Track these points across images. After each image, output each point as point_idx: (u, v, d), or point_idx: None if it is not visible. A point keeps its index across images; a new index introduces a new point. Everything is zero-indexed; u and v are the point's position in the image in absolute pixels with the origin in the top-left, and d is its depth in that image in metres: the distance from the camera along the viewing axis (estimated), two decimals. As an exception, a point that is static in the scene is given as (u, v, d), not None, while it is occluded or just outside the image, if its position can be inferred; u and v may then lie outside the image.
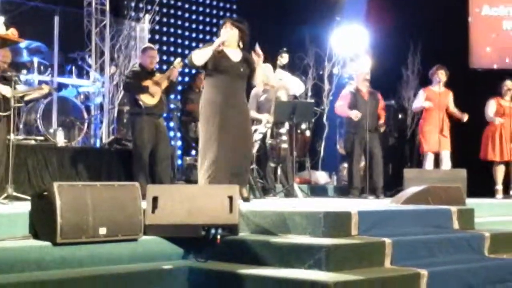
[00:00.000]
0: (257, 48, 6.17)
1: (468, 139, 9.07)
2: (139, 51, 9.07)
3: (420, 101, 8.86)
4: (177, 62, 7.64)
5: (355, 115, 8.31)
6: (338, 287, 3.66)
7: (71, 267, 3.99)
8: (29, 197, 5.11)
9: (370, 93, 8.54)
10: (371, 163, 8.28)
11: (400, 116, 10.70)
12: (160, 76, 7.62)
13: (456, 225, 5.06)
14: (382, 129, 8.59)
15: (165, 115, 8.21)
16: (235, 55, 6.19)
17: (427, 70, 9.25)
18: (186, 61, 6.38)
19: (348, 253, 4.11)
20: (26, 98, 6.94)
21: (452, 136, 8.77)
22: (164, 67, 10.58)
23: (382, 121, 8.60)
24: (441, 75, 8.76)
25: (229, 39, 6.17)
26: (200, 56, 6.08)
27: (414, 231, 4.73)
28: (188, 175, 8.62)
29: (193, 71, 9.77)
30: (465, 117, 8.64)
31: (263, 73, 6.48)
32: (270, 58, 8.11)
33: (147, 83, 7.47)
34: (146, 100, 7.42)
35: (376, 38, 11.05)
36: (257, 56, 6.17)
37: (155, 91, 7.46)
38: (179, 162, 9.58)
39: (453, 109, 8.82)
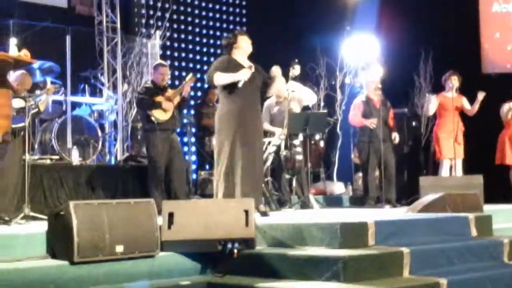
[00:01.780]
0: (252, 66, 6.21)
1: (483, 145, 9.01)
2: (151, 68, 9.12)
3: (432, 104, 8.80)
4: (189, 77, 7.66)
5: (371, 122, 8.29)
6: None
7: (88, 285, 4.00)
8: (45, 217, 5.14)
9: (381, 101, 8.52)
10: (385, 173, 8.24)
11: (414, 123, 10.64)
12: (172, 92, 7.65)
13: (474, 232, 5.02)
14: (397, 141, 8.53)
15: (178, 130, 8.23)
16: (248, 65, 6.24)
17: (439, 77, 9.21)
18: (206, 77, 6.38)
19: (366, 264, 4.09)
20: (41, 107, 6.97)
21: (467, 142, 8.71)
22: (176, 82, 10.62)
23: (394, 132, 8.53)
24: (454, 81, 8.71)
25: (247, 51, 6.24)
26: (224, 80, 6.10)
27: (432, 239, 4.70)
28: (203, 190, 8.62)
29: (206, 86, 9.78)
30: (481, 95, 8.57)
31: (277, 85, 6.49)
32: (282, 69, 8.11)
33: (160, 99, 7.50)
34: (159, 116, 7.45)
35: (387, 46, 11.02)
36: (276, 76, 6.24)
37: (168, 107, 7.48)
38: (194, 176, 9.58)
39: (471, 107, 8.72)
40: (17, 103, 6.22)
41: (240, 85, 6.07)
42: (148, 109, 7.48)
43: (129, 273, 4.20)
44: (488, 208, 6.21)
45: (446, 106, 8.66)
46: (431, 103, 8.82)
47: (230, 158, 5.99)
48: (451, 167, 8.63)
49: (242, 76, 6.11)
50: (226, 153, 6.01)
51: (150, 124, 7.51)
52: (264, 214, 5.97)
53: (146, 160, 7.94)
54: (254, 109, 6.24)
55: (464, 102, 8.79)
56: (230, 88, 6.12)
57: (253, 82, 6.17)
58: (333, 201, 9.05)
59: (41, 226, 4.66)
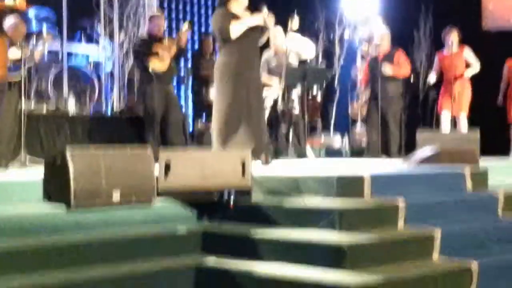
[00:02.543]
0: (266, 12, 6.12)
1: (483, 102, 8.98)
2: (147, 19, 9.05)
3: (434, 69, 8.78)
4: (185, 27, 7.60)
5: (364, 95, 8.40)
6: (352, 248, 3.69)
7: (85, 231, 4.01)
8: (42, 163, 5.14)
9: (386, 55, 8.47)
10: (385, 127, 8.25)
11: (412, 79, 10.60)
12: (169, 42, 7.60)
13: (469, 186, 5.02)
14: (385, 71, 8.37)
15: (175, 82, 8.20)
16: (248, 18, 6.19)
17: (439, 32, 9.15)
18: (218, 32, 6.17)
19: (361, 214, 4.12)
20: (36, 56, 6.88)
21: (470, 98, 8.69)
22: (174, 34, 10.53)
23: (390, 66, 8.41)
24: (453, 37, 8.66)
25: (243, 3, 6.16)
26: (241, 29, 6.01)
27: (427, 192, 4.71)
28: (200, 141, 8.63)
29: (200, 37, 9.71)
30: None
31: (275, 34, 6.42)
32: (280, 22, 8.03)
33: (156, 48, 7.45)
34: (156, 66, 7.41)
35: (387, 0, 10.92)
36: (269, 20, 6.14)
37: (165, 56, 7.43)
38: (191, 127, 9.57)
39: (475, 64, 8.65)
40: (12, 53, 6.16)
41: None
42: (145, 59, 7.43)
43: (126, 220, 4.21)
44: (485, 163, 6.23)
45: (445, 63, 8.62)
46: (435, 65, 8.79)
47: (229, 111, 5.97)
48: (454, 123, 8.63)
49: (258, 20, 6.01)
50: (225, 106, 5.99)
51: (147, 75, 7.48)
52: (266, 163, 5.98)
53: (143, 111, 7.92)
54: (254, 61, 6.22)
55: (467, 54, 8.68)
56: (233, 40, 6.06)
57: (252, 33, 6.12)
58: (330, 153, 9.09)
59: (37, 173, 4.66)
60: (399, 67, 8.51)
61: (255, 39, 6.20)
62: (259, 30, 6.19)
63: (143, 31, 9.72)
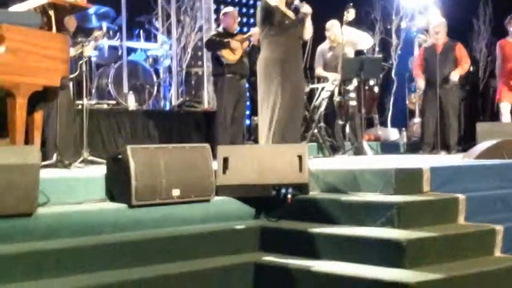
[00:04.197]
0: (304, 7, 6.12)
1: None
2: (205, 12, 9.11)
3: (499, 57, 8.57)
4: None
5: (419, 86, 8.30)
6: (411, 244, 3.65)
7: (146, 228, 4.09)
8: (104, 161, 5.25)
9: (445, 46, 8.30)
10: (443, 118, 8.11)
11: (471, 68, 10.40)
12: (241, 36, 7.74)
13: (531, 179, 4.92)
14: (453, 79, 8.23)
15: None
16: (291, 13, 6.18)
17: (499, 20, 8.94)
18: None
19: (420, 210, 4.07)
20: (86, 52, 6.99)
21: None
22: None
23: (456, 71, 8.24)
24: (517, 24, 8.44)
25: None
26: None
27: (488, 186, 4.62)
28: (256, 135, 8.64)
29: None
30: None
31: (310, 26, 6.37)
32: (336, 14, 7.99)
33: (229, 39, 7.59)
34: (228, 56, 7.54)
35: (445, -12, 10.73)
36: (306, 15, 6.13)
37: (236, 46, 7.55)
38: (248, 122, 9.62)
39: None
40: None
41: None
42: (217, 48, 7.57)
43: (185, 216, 4.27)
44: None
45: (507, 51, 8.42)
46: (498, 53, 8.57)
47: (274, 107, 5.99)
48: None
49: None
50: (271, 102, 6.01)
51: (218, 68, 7.61)
52: None
53: (202, 105, 8.03)
54: (298, 54, 6.24)
55: None
56: (277, 32, 6.09)
57: (296, 28, 6.13)
58: (387, 148, 8.99)
59: (100, 170, 4.76)
60: (462, 66, 8.32)
61: (296, 32, 6.18)
62: (295, 22, 6.16)
63: (200, 24, 9.85)
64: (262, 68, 6.17)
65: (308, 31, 6.29)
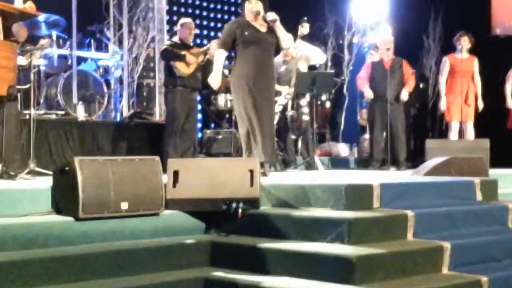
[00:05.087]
0: (269, 15, 6.13)
1: (492, 108, 8.93)
2: (157, 23, 9.04)
3: (444, 71, 8.72)
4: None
5: (367, 96, 8.35)
6: (360, 260, 3.66)
7: (93, 242, 4.02)
8: (51, 172, 5.13)
9: (393, 62, 8.42)
10: (392, 134, 8.20)
11: (421, 85, 10.55)
12: (197, 50, 7.70)
13: (479, 196, 5.00)
14: (404, 98, 8.39)
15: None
16: (262, 26, 6.17)
17: (448, 38, 9.11)
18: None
19: (370, 226, 4.09)
20: (34, 61, 6.85)
21: (477, 105, 8.64)
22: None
23: (405, 89, 8.39)
24: (464, 42, 8.60)
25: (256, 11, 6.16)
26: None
27: (437, 203, 4.69)
28: (208, 149, 8.61)
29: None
30: (481, 106, 8.54)
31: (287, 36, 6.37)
32: (290, 28, 8.01)
33: (184, 52, 7.55)
34: (182, 68, 7.50)
35: (396, 5, 10.89)
36: (273, 21, 6.13)
37: (191, 60, 7.53)
38: (199, 135, 9.57)
39: (477, 78, 8.66)
40: (20, 61, 6.12)
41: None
42: (172, 59, 7.51)
43: (133, 230, 4.21)
44: (494, 172, 6.19)
45: (455, 67, 8.58)
46: (444, 67, 8.72)
47: (247, 119, 5.99)
48: (461, 131, 8.58)
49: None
50: (243, 115, 6.04)
51: (171, 79, 7.56)
52: (263, 174, 5.97)
53: (153, 117, 7.96)
54: (269, 70, 6.23)
55: (475, 65, 8.67)
56: (244, 47, 6.11)
57: (267, 41, 6.13)
58: (338, 163, 9.05)
59: (46, 182, 4.65)
60: (408, 83, 8.48)
61: (267, 45, 6.19)
62: (269, 36, 6.17)
63: (153, 34, 9.77)
64: (232, 82, 6.22)
65: (283, 40, 6.25)
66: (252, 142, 6.00)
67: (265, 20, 6.19)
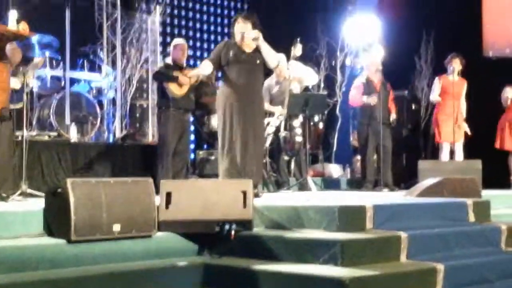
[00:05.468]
0: (251, 33, 6.13)
1: (483, 129, 8.98)
2: (151, 44, 9.06)
3: (435, 91, 8.77)
4: None
5: (372, 99, 8.25)
6: (353, 282, 3.64)
7: (85, 264, 3.98)
8: (43, 194, 5.11)
9: (382, 83, 8.46)
10: (383, 156, 8.20)
11: (413, 106, 10.60)
12: (190, 71, 7.72)
13: (472, 217, 5.01)
14: (394, 123, 8.51)
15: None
16: (248, 47, 6.19)
17: (440, 60, 9.18)
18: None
19: (364, 247, 4.08)
20: (28, 81, 6.84)
21: (468, 126, 8.69)
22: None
23: (393, 114, 8.51)
24: (455, 64, 8.67)
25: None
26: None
27: (430, 224, 4.69)
28: (201, 170, 8.60)
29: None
30: (467, 129, 8.60)
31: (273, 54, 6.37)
32: (283, 49, 8.05)
33: (177, 73, 7.56)
34: (174, 90, 7.52)
35: (389, 27, 10.97)
36: (255, 39, 6.13)
37: (184, 81, 7.55)
38: (192, 156, 9.56)
39: (463, 102, 8.73)
40: (13, 83, 6.12)
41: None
42: (165, 80, 7.52)
43: (126, 252, 4.18)
44: (487, 194, 6.21)
45: (447, 89, 8.64)
46: (436, 87, 8.78)
47: (229, 138, 5.99)
48: (452, 151, 8.61)
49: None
50: (226, 133, 6.03)
51: (163, 101, 7.57)
52: (256, 196, 5.96)
53: (146, 139, 7.96)
54: (256, 90, 6.23)
55: (464, 89, 8.74)
56: (230, 67, 6.14)
57: (254, 62, 6.15)
58: (331, 184, 9.05)
59: (38, 204, 4.63)
60: (393, 106, 8.58)
61: (253, 65, 6.21)
62: (257, 56, 6.19)
63: (146, 55, 9.80)
64: (217, 102, 6.27)
65: (270, 59, 6.22)
66: (224, 158, 5.98)
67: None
